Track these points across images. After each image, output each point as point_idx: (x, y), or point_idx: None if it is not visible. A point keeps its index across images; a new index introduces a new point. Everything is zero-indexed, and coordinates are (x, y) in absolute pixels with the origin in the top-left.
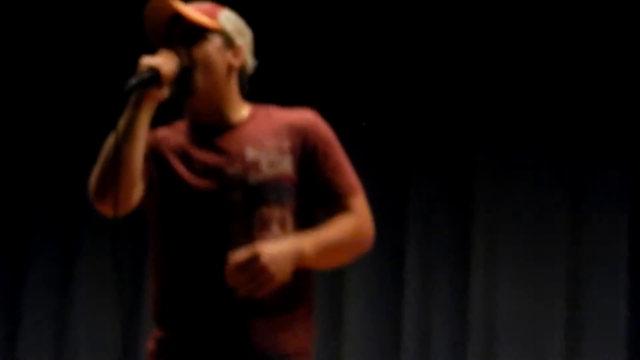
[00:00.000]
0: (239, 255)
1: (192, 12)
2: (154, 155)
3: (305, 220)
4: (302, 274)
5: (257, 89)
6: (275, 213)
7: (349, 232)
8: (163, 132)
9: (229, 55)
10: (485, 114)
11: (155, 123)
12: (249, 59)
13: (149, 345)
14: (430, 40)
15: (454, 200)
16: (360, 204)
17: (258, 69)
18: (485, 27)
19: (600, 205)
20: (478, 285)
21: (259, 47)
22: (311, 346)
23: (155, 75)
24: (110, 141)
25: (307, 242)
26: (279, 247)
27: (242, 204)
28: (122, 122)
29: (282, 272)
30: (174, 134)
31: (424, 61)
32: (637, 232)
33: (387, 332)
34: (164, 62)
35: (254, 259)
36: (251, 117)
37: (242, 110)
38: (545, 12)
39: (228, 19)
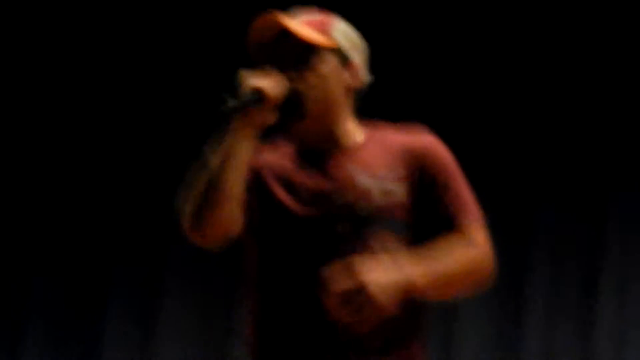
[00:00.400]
0: (342, 282)
1: (303, 29)
2: (256, 181)
3: None
4: (414, 309)
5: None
6: (387, 245)
7: (465, 264)
8: (266, 156)
9: (345, 75)
10: (622, 159)
11: None
12: (364, 76)
13: None
14: (570, 84)
15: (583, 245)
16: (480, 234)
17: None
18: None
19: None
20: (605, 338)
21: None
22: None
23: (259, 98)
24: (206, 168)
25: (419, 272)
26: (388, 277)
27: (351, 236)
28: (221, 149)
29: (390, 303)
30: (278, 158)
31: (555, 102)
32: None
33: None
34: (270, 83)
35: (361, 289)
36: (366, 140)
37: (356, 133)
38: None
39: (342, 33)
